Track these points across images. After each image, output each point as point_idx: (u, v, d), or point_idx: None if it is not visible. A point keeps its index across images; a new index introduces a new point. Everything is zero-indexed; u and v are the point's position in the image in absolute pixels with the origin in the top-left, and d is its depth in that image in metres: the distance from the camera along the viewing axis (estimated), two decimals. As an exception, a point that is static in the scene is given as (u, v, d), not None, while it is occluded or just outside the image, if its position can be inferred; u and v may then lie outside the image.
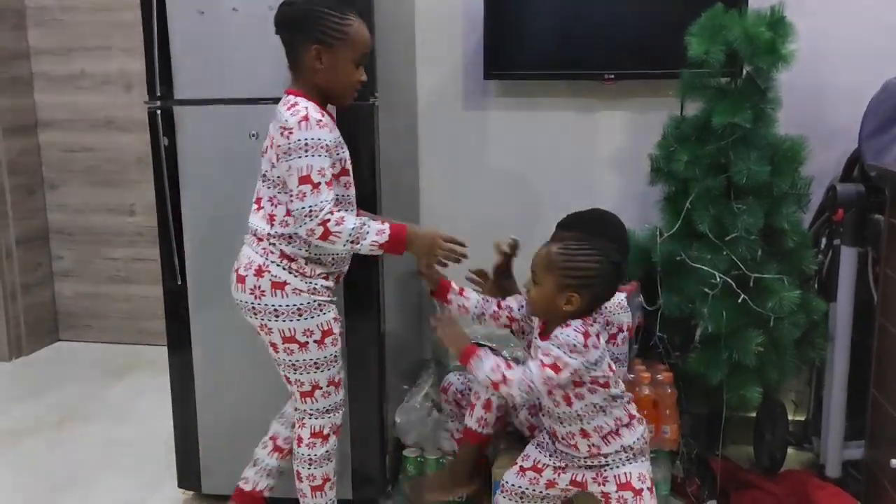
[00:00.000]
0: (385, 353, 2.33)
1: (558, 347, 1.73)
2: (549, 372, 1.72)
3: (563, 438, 1.88)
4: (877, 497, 2.18)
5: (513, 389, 1.73)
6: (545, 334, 1.81)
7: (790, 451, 2.53)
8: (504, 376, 1.73)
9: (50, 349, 3.89)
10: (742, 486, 2.37)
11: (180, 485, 2.45)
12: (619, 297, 2.04)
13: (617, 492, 1.85)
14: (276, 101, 2.17)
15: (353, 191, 1.95)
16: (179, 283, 2.30)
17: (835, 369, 2.39)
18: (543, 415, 1.93)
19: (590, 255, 1.77)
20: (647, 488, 1.86)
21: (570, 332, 1.74)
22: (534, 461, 1.95)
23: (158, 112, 2.22)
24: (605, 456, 1.86)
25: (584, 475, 1.89)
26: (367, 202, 2.20)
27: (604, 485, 1.87)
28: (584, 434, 1.84)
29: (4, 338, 3.70)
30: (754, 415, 2.58)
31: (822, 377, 2.49)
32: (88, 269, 3.91)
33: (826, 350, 2.41)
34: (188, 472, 2.42)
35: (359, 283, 2.19)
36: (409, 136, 2.79)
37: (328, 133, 1.81)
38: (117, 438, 2.91)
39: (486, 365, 1.75)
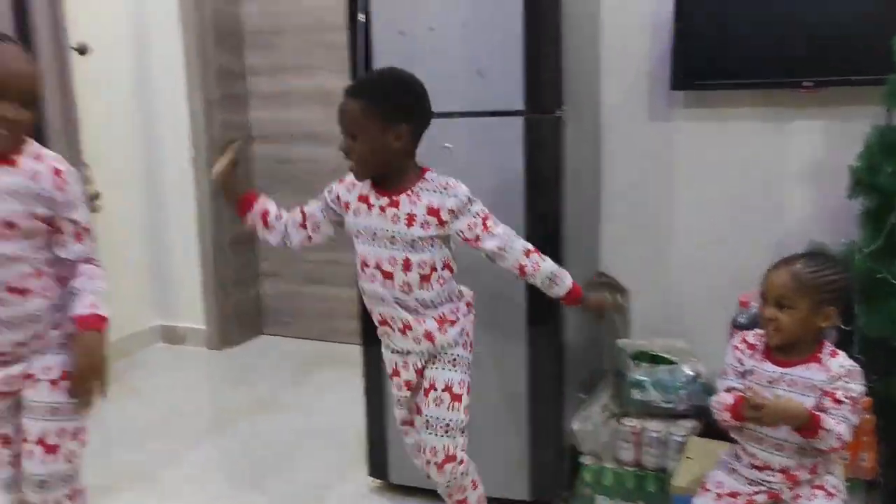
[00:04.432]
0: (564, 362, 2.37)
1: (854, 383, 1.75)
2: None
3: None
4: None
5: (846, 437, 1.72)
6: (779, 358, 1.81)
7: None
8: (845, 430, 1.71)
9: (254, 341, 4.27)
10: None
11: (371, 473, 2.60)
12: None
13: None
14: (466, 115, 2.26)
15: None
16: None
17: None
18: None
19: (832, 267, 1.80)
20: None
21: (845, 361, 1.77)
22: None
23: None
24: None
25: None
26: (552, 215, 2.26)
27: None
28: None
29: (216, 329, 4.12)
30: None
31: None
32: (285, 271, 4.23)
33: None
34: (378, 461, 2.56)
35: (539, 294, 2.25)
36: (592, 148, 2.81)
37: None
38: (310, 428, 3.12)
39: (835, 426, 1.70)
